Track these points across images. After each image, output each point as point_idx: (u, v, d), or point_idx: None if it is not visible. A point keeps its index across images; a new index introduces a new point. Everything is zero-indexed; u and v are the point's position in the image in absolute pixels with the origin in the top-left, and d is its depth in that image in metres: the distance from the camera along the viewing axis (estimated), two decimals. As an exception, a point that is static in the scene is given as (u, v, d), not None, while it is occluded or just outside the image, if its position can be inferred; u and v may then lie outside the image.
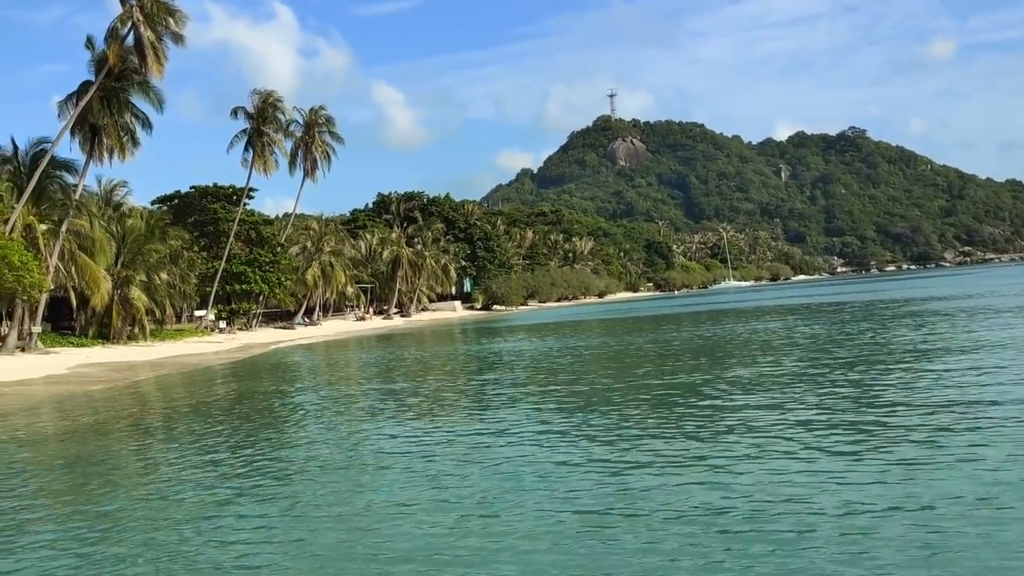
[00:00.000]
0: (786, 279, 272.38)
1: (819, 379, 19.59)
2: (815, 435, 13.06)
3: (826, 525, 8.62)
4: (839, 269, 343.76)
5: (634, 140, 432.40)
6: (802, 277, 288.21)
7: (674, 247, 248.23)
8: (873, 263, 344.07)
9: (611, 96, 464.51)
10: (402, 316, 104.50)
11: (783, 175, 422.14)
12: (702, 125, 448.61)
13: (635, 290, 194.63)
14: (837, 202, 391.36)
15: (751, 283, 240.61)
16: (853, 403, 15.87)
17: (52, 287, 49.26)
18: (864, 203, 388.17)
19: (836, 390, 17.64)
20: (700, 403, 17.30)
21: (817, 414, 14.88)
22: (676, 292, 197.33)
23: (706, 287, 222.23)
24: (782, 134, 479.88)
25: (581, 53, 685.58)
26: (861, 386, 18.00)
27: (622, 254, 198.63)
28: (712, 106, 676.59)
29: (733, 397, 17.70)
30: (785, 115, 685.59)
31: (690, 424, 14.87)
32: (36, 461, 16.01)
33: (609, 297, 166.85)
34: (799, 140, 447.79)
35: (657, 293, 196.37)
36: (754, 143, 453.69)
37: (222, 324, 72.05)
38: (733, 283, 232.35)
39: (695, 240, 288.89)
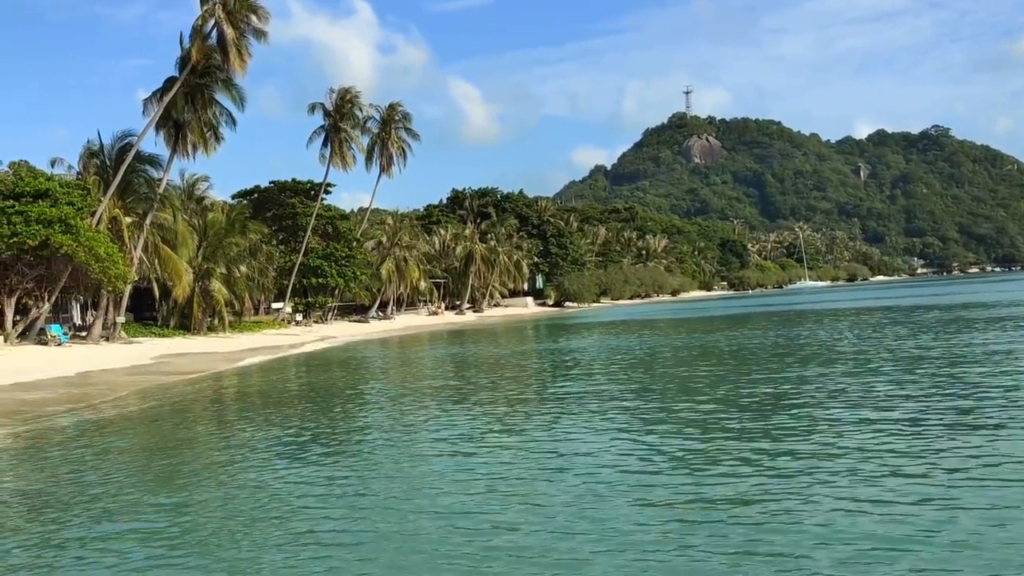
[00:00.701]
0: (864, 280, 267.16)
1: (906, 386, 19.14)
2: (905, 442, 12.75)
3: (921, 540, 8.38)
4: (919, 270, 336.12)
5: (709, 137, 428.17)
6: (881, 278, 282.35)
7: (749, 246, 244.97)
8: (955, 264, 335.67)
9: (687, 93, 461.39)
10: (474, 312, 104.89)
11: (862, 174, 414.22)
12: (779, 122, 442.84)
13: (709, 289, 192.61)
14: (918, 202, 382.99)
15: (827, 283, 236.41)
16: (952, 413, 15.45)
17: (136, 278, 50.42)
18: (946, 203, 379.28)
19: (928, 398, 17.21)
20: (784, 408, 17.02)
21: (909, 425, 14.52)
22: (750, 291, 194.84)
23: (781, 287, 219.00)
24: (862, 132, 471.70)
25: (657, 50, 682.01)
26: (954, 395, 17.54)
27: (696, 252, 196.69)
28: (790, 103, 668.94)
29: (821, 403, 17.37)
30: (865, 113, 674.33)
31: (773, 430, 14.64)
32: (124, 446, 16.37)
33: (682, 296, 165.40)
34: (879, 138, 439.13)
35: (731, 292, 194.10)
36: (832, 141, 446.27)
37: (299, 317, 73.10)
38: (809, 283, 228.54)
39: (771, 239, 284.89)
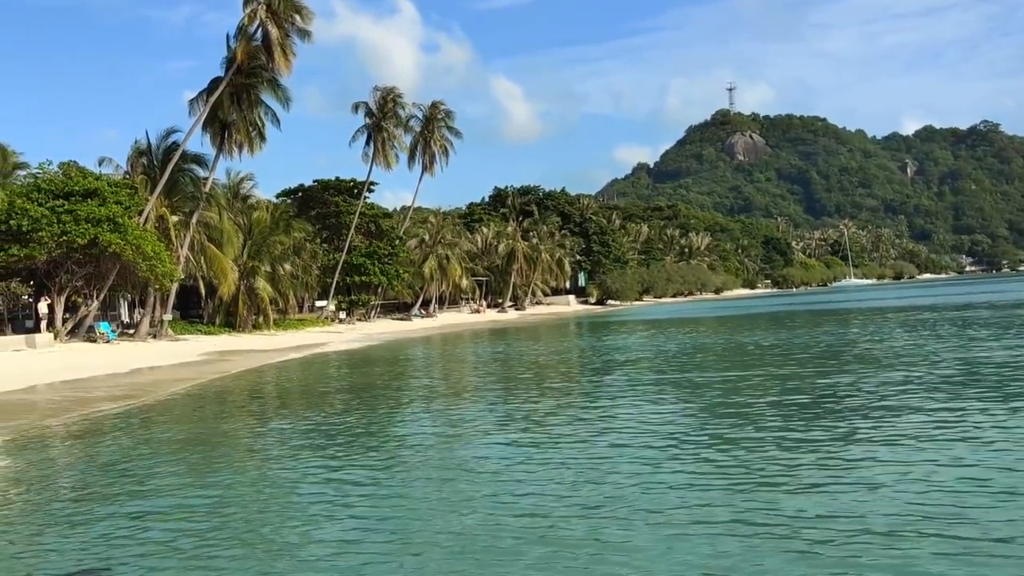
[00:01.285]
0: (910, 278, 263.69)
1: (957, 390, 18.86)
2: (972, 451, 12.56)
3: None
4: (967, 268, 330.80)
5: (753, 134, 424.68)
6: (928, 276, 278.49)
7: (793, 243, 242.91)
8: (1004, 262, 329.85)
9: (730, 90, 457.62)
10: (516, 309, 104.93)
11: (909, 170, 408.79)
12: (824, 119, 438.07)
13: (752, 287, 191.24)
14: (966, 198, 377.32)
15: (873, 281, 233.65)
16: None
17: (182, 277, 51.06)
18: (996, 199, 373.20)
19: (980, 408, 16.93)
20: (839, 411, 16.85)
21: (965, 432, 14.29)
22: (794, 289, 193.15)
23: (825, 285, 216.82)
24: (908, 128, 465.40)
25: (701, 46, 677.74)
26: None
27: (739, 250, 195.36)
28: (835, 100, 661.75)
29: (873, 406, 17.16)
30: (912, 109, 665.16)
31: (831, 433, 14.49)
32: (168, 438, 16.56)
33: (726, 294, 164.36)
34: (926, 134, 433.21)
35: (775, 290, 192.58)
36: (879, 137, 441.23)
37: (342, 315, 73.60)
38: (854, 281, 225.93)
39: (815, 237, 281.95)
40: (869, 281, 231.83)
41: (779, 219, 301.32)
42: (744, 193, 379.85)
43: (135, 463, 14.41)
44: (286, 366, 36.88)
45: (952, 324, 39.07)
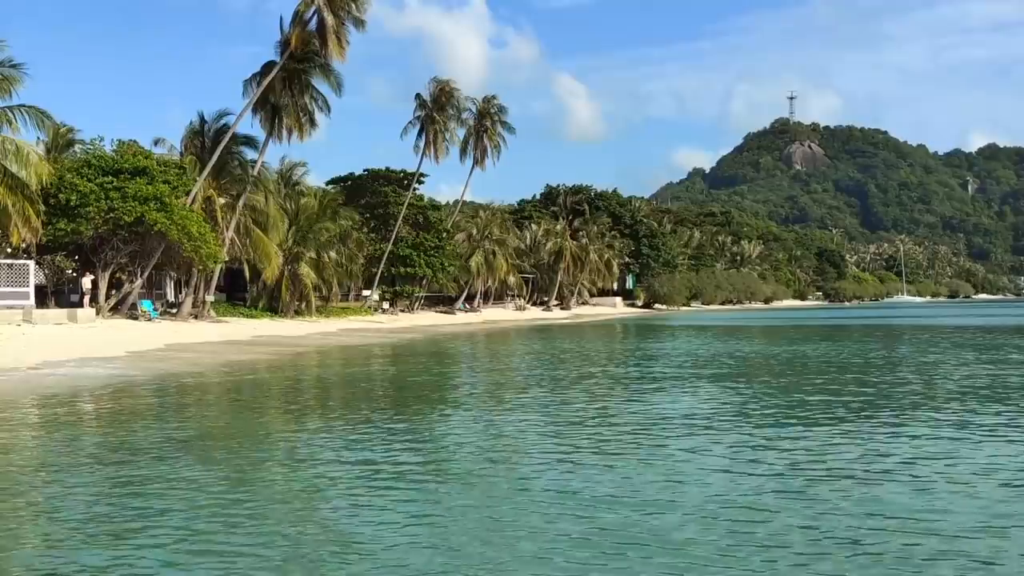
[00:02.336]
0: (966, 297, 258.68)
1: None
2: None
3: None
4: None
5: (812, 144, 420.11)
6: (984, 296, 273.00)
7: (847, 256, 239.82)
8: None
9: (791, 99, 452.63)
10: (562, 308, 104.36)
11: (970, 188, 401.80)
12: (885, 132, 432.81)
13: (803, 298, 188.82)
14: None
15: (927, 299, 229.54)
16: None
17: (227, 259, 51.17)
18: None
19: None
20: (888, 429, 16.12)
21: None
22: (846, 303, 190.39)
23: (878, 300, 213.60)
24: (972, 145, 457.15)
25: (769, 52, 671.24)
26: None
27: (792, 260, 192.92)
28: (900, 112, 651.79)
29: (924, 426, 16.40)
30: (978, 125, 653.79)
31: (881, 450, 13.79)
32: (198, 426, 16.29)
33: (775, 304, 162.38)
34: (990, 152, 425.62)
35: (826, 303, 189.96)
36: (940, 153, 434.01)
37: (385, 305, 73.55)
38: (907, 297, 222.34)
39: (870, 250, 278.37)
40: (923, 299, 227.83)
41: (834, 231, 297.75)
42: (800, 203, 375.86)
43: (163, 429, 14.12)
44: (325, 354, 36.68)
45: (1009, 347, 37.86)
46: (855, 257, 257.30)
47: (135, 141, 52.25)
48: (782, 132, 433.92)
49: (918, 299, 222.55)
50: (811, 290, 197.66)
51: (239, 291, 59.56)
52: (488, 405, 19.84)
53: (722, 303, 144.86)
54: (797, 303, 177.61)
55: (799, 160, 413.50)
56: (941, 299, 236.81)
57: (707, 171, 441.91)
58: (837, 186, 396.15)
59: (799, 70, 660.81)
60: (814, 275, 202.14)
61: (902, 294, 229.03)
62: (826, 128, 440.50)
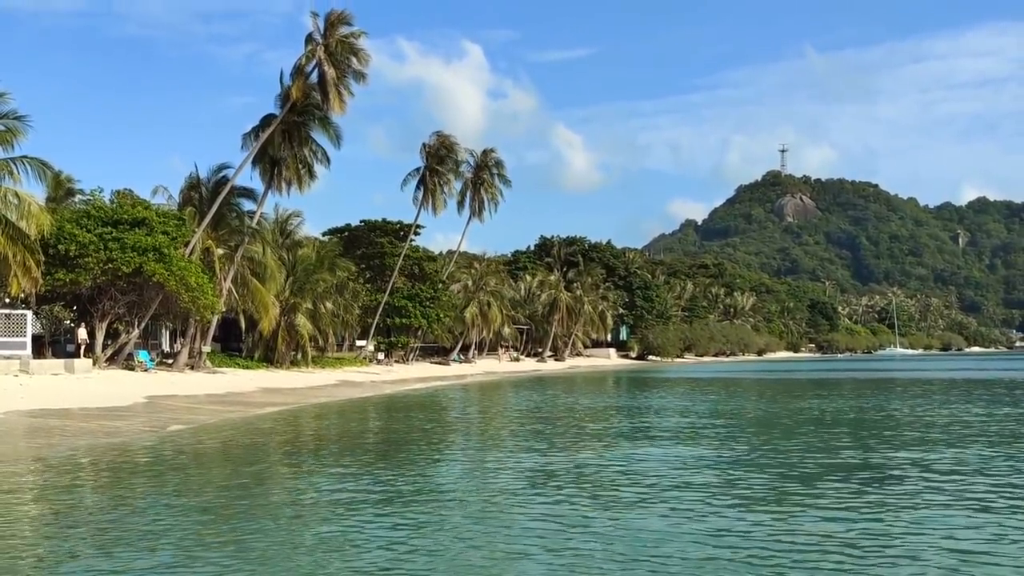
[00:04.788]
0: (958, 349, 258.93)
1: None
2: None
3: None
4: (1017, 343, 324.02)
5: (803, 196, 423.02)
6: (976, 349, 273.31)
7: (839, 308, 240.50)
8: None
9: (782, 151, 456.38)
10: (556, 360, 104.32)
11: (961, 241, 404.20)
12: (876, 185, 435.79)
13: (796, 350, 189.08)
14: (1019, 272, 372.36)
15: (919, 351, 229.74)
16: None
17: (224, 309, 51.23)
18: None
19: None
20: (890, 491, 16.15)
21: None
22: (839, 355, 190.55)
23: (870, 352, 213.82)
24: (963, 198, 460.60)
25: (762, 105, 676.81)
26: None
27: (784, 312, 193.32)
28: (890, 165, 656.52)
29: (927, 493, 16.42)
30: (968, 178, 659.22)
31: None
32: (196, 478, 16.26)
33: (768, 355, 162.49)
34: (980, 206, 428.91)
35: (819, 355, 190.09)
36: (931, 206, 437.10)
37: (380, 356, 73.51)
38: (900, 350, 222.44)
39: (862, 303, 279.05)
40: (915, 351, 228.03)
41: (826, 283, 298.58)
42: (792, 255, 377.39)
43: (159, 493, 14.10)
44: (322, 407, 36.62)
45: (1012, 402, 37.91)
46: (847, 309, 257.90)
47: (131, 190, 52.58)
48: (774, 184, 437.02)
49: (911, 351, 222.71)
50: (804, 342, 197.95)
51: (234, 341, 59.51)
52: (489, 463, 19.82)
53: (715, 355, 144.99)
54: (790, 355, 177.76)
55: (791, 212, 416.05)
56: (934, 352, 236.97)
57: (699, 223, 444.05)
58: (829, 238, 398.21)
59: (793, 122, 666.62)
60: (806, 327, 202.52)
61: (895, 346, 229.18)
62: (817, 181, 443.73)
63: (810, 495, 14.78)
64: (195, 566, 10.11)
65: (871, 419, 29.97)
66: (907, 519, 12.66)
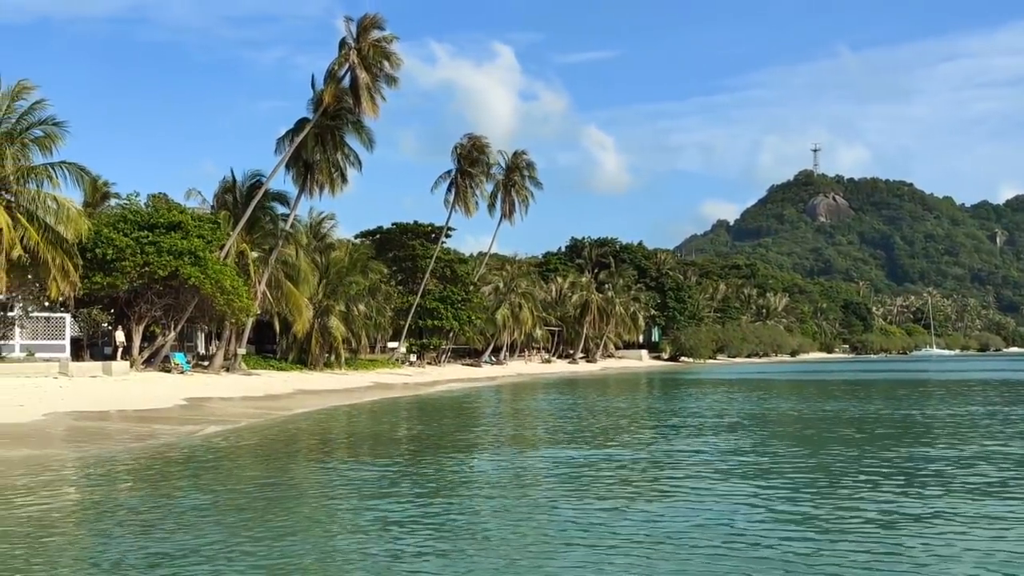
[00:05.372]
0: (996, 350, 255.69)
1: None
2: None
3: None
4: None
5: (836, 196, 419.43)
6: (1015, 349, 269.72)
7: (874, 309, 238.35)
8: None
9: (815, 151, 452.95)
10: (587, 361, 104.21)
11: (999, 240, 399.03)
12: (911, 184, 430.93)
13: (829, 351, 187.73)
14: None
15: (956, 352, 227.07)
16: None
17: (258, 312, 51.68)
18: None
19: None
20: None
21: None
22: (873, 356, 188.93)
23: (905, 353, 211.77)
24: (1000, 197, 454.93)
25: (793, 105, 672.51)
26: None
27: (817, 313, 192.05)
28: (924, 164, 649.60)
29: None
30: (1006, 177, 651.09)
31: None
32: (228, 478, 16.49)
33: (801, 356, 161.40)
34: (1018, 204, 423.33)
35: (852, 356, 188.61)
36: (967, 205, 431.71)
37: (412, 357, 73.81)
38: (936, 351, 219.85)
39: (897, 303, 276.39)
40: (952, 352, 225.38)
41: (860, 283, 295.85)
42: (825, 255, 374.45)
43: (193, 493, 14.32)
44: (355, 407, 36.89)
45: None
46: (881, 310, 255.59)
47: (165, 194, 53.17)
48: (806, 184, 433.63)
49: (947, 352, 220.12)
50: (837, 343, 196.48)
51: (268, 343, 60.01)
52: (524, 462, 19.94)
53: (748, 356, 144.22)
54: (823, 356, 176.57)
55: (823, 212, 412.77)
56: (971, 352, 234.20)
57: (731, 223, 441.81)
58: (862, 238, 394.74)
59: (825, 122, 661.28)
60: (840, 328, 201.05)
61: (930, 347, 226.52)
62: (850, 180, 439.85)
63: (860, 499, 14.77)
64: (235, 564, 10.30)
65: (923, 421, 29.77)
66: (968, 523, 12.64)
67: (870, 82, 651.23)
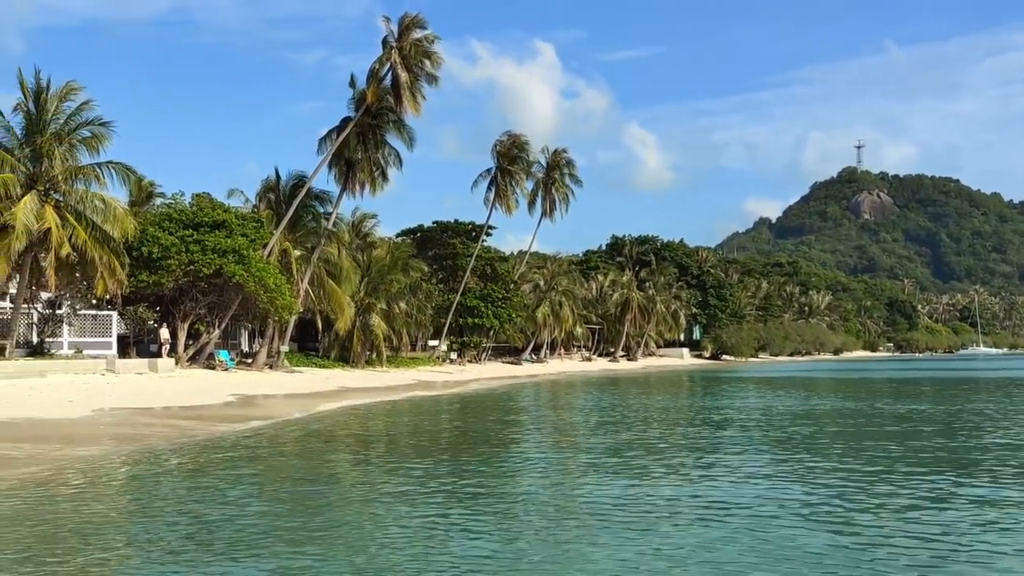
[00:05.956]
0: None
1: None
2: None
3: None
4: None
5: (880, 193, 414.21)
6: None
7: (919, 307, 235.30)
8: None
9: (858, 147, 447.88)
10: (628, 360, 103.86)
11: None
12: (957, 180, 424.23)
13: (873, 349, 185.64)
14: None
15: (1004, 351, 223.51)
16: None
17: (301, 310, 52.13)
18: None
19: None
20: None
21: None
22: (919, 355, 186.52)
23: (952, 351, 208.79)
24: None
25: (837, 102, 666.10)
26: None
27: (861, 311, 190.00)
28: (971, 161, 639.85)
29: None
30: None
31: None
32: (271, 474, 16.69)
33: (845, 355, 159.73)
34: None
35: (897, 354, 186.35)
36: (1016, 201, 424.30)
37: (453, 355, 74.04)
38: (983, 349, 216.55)
39: (942, 301, 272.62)
40: (1000, 350, 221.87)
41: (905, 281, 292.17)
42: (868, 253, 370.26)
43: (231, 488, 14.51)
44: (396, 404, 37.09)
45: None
46: (927, 308, 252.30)
47: (208, 194, 53.78)
48: (850, 181, 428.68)
49: (995, 351, 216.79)
50: (881, 341, 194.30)
51: (310, 341, 60.52)
52: (567, 457, 19.95)
53: (790, 354, 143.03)
54: (867, 354, 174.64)
55: (867, 209, 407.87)
56: (1019, 351, 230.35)
57: (773, 221, 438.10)
58: (907, 236, 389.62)
59: (871, 118, 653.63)
60: (884, 326, 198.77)
61: (977, 346, 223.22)
62: (895, 177, 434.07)
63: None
64: (283, 556, 10.43)
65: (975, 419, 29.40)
66: None
67: (917, 78, 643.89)
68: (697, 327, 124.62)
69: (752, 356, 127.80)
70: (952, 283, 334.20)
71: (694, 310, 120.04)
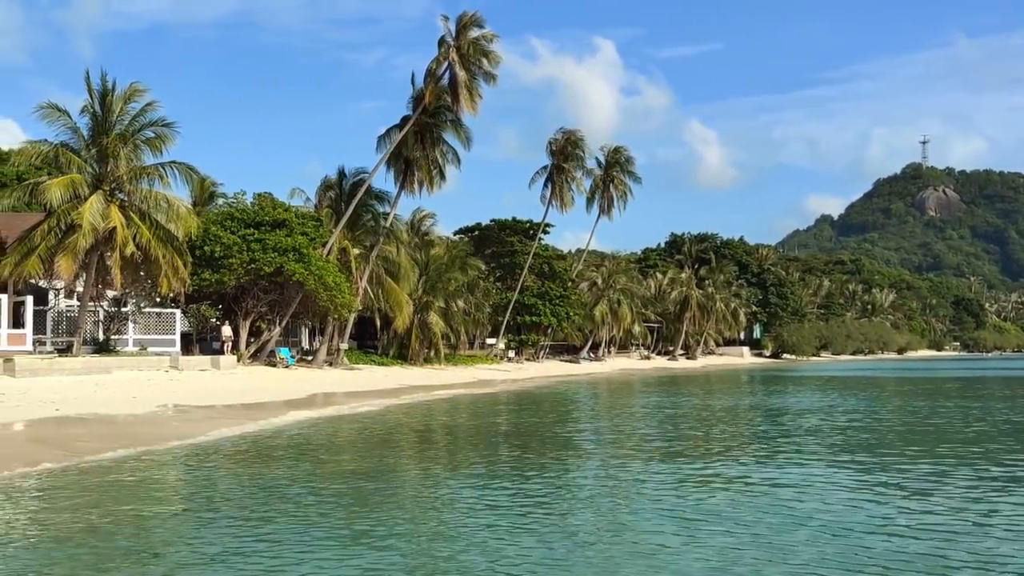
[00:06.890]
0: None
1: None
2: None
3: None
4: None
5: (946, 190, 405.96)
6: None
7: (987, 305, 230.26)
8: None
9: (923, 143, 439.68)
10: (687, 358, 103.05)
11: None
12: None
13: (939, 348, 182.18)
14: None
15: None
16: None
17: (360, 308, 52.49)
18: None
19: None
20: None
21: None
22: (987, 354, 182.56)
23: (1021, 350, 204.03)
24: None
25: (902, 97, 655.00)
26: None
27: (926, 310, 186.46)
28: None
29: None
30: None
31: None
32: (332, 469, 16.80)
33: (909, 354, 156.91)
34: None
35: (964, 354, 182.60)
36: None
37: (511, 354, 74.08)
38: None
39: (1012, 299, 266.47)
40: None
41: (972, 279, 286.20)
42: (934, 250, 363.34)
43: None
44: (455, 399, 37.20)
45: None
46: (995, 306, 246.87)
47: (270, 193, 54.39)
48: (914, 177, 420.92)
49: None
50: (947, 340, 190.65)
51: (369, 339, 60.93)
52: (626, 458, 19.82)
53: (852, 353, 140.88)
54: (933, 353, 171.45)
55: (932, 206, 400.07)
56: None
57: (835, 218, 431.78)
58: (974, 232, 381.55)
59: (937, 113, 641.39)
60: (950, 325, 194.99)
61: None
62: (961, 173, 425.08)
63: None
64: (337, 546, 10.47)
65: None
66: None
67: (985, 70, 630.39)
68: (757, 325, 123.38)
69: (813, 355, 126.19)
70: (1021, 281, 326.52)
71: (754, 308, 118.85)
